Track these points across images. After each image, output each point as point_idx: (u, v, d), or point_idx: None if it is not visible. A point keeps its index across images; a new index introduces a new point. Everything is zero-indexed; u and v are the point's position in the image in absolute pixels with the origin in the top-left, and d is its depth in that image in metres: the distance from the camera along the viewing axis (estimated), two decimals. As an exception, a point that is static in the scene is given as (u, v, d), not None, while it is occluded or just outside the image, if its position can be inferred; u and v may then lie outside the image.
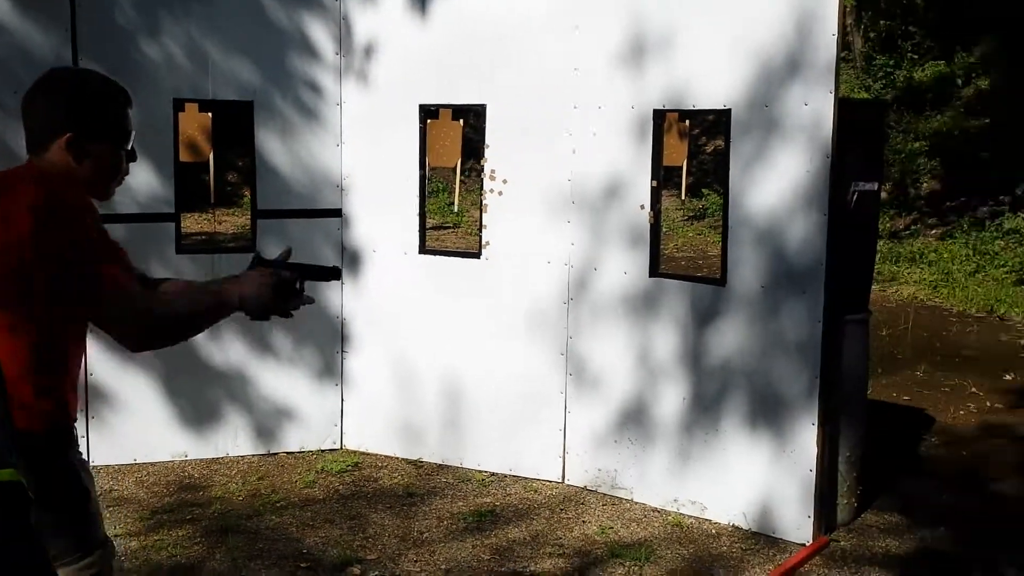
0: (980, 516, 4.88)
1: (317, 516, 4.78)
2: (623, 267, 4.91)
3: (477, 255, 5.30)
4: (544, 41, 5.01)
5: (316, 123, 5.43)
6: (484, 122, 5.20)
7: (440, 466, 5.42)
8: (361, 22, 5.36)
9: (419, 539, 4.55)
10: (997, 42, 14.62)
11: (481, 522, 4.73)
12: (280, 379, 5.51)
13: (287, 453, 5.56)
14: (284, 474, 5.30)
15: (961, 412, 6.62)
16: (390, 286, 5.46)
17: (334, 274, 2.52)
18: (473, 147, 13.39)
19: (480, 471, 5.34)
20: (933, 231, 12.56)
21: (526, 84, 5.06)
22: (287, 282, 2.33)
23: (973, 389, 7.15)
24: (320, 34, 5.38)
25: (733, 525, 4.65)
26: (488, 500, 5.00)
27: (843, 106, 4.38)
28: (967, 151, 13.30)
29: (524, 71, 5.06)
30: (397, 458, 5.52)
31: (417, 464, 5.45)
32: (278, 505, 4.89)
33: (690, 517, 4.76)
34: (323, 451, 5.59)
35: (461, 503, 4.96)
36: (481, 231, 5.29)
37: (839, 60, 4.32)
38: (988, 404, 6.79)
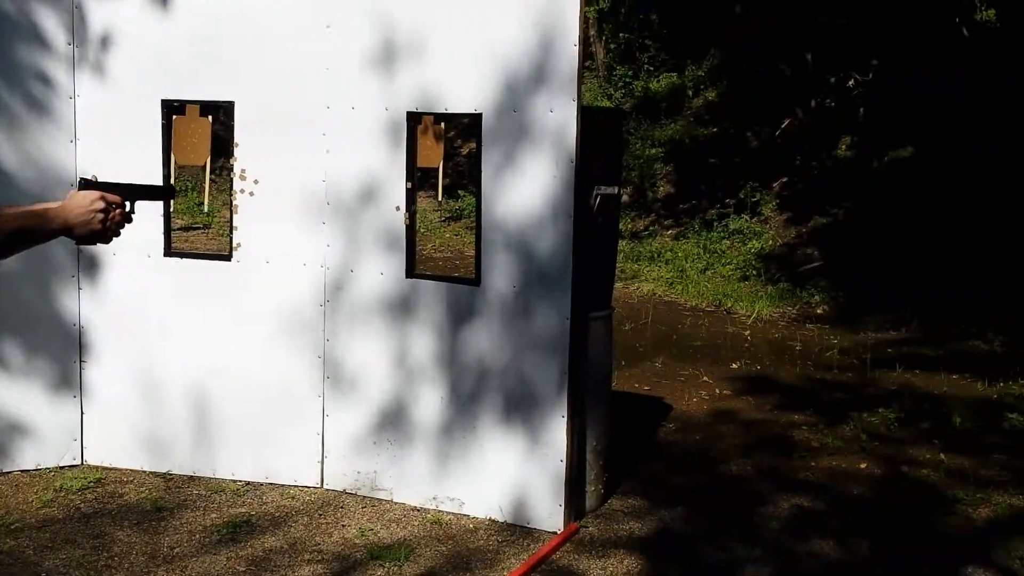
0: (711, 495, 5.29)
1: (56, 537, 4.47)
2: (379, 268, 4.93)
3: (228, 257, 5.15)
4: (295, 38, 4.94)
5: (46, 117, 5.07)
6: (233, 119, 5.07)
7: (191, 477, 5.22)
8: (97, 11, 5.06)
9: (169, 555, 4.36)
10: (721, 57, 15.85)
11: (236, 533, 4.60)
12: (10, 391, 5.11)
13: (21, 471, 5.16)
14: (18, 494, 4.92)
15: (695, 400, 7.14)
16: (133, 291, 5.19)
17: (167, 193, 2.42)
18: (224, 145, 12.96)
19: (234, 480, 5.18)
20: (669, 231, 13.44)
21: (277, 81, 4.97)
22: (115, 205, 2.22)
23: (705, 378, 7.73)
24: (50, 22, 5.03)
25: (490, 519, 4.79)
26: (243, 510, 4.87)
27: (586, 114, 4.61)
28: (697, 157, 14.34)
29: (275, 68, 4.97)
30: (144, 471, 5.26)
31: (166, 477, 5.22)
32: (12, 527, 4.53)
33: (449, 514, 4.85)
34: (62, 468, 5.23)
35: (214, 515, 4.80)
36: (232, 232, 5.14)
37: (582, 69, 4.55)
38: (718, 391, 7.37)
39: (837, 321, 9.91)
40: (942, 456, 5.90)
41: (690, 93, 16.03)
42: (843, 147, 13.20)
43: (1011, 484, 5.44)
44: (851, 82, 13.18)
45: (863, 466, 5.77)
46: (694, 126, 15.25)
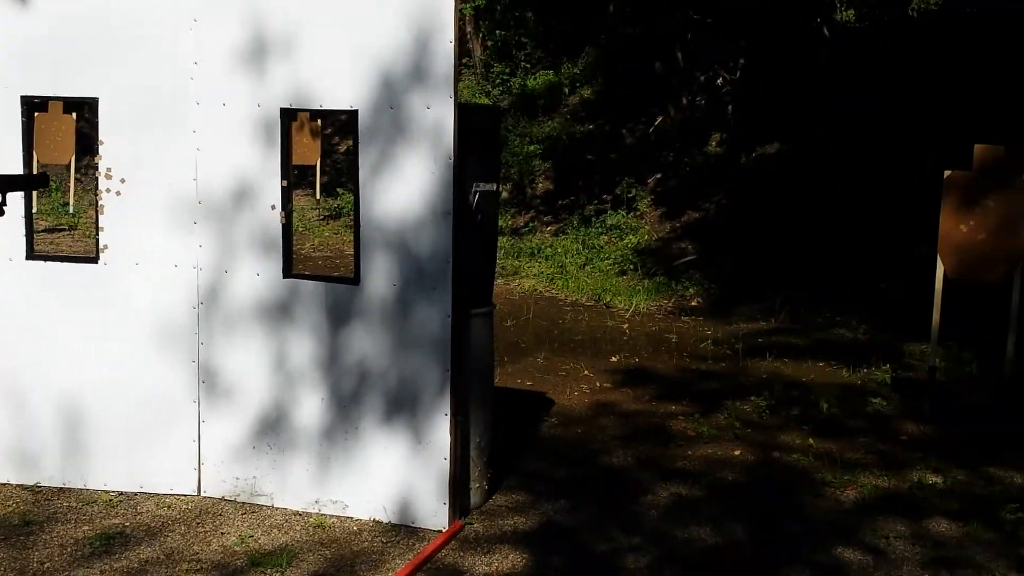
0: (593, 487, 5.38)
1: (-90, 560, 4.23)
2: (255, 269, 4.83)
3: (95, 260, 4.96)
4: (160, 33, 4.79)
5: None
6: (98, 116, 4.88)
7: (61, 490, 5.01)
8: (-53, 3, 4.81)
9: (39, 570, 4.18)
10: (596, 56, 16.11)
11: (109, 545, 4.44)
12: None
13: None
14: None
15: (576, 393, 7.25)
16: (-7, 297, 4.95)
17: (40, 181, 2.30)
18: (90, 143, 12.48)
19: (107, 491, 5.00)
20: (549, 228, 13.58)
21: (143, 77, 4.81)
22: None
23: (586, 372, 7.85)
24: None
25: (374, 520, 4.76)
26: (117, 521, 4.71)
27: (463, 111, 4.62)
28: (575, 154, 14.54)
29: (140, 63, 4.81)
30: (10, 485, 5.03)
31: (34, 490, 5.00)
32: None
33: (332, 517, 4.80)
34: (-85, 486, 4.96)
35: (86, 527, 4.63)
36: (98, 234, 4.95)
37: (458, 67, 4.55)
38: (598, 385, 7.49)
39: (710, 313, 10.20)
40: (811, 441, 6.15)
41: (566, 91, 16.23)
42: (713, 144, 13.59)
43: (875, 466, 5.72)
44: (720, 80, 13.58)
45: (737, 453, 5.96)
46: (571, 123, 15.45)
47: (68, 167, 13.78)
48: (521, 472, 5.52)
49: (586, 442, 6.14)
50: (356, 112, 4.63)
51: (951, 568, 4.45)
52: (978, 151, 6.33)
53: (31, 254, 4.98)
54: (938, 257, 6.46)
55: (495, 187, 5.16)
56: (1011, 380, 6.47)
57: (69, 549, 4.40)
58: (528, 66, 17.05)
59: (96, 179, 4.96)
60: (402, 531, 4.67)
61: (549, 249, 12.64)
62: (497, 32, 17.62)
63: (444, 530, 4.64)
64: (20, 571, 4.16)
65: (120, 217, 4.89)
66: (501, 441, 5.40)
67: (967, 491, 5.36)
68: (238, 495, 4.96)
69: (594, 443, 6.12)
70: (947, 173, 6.41)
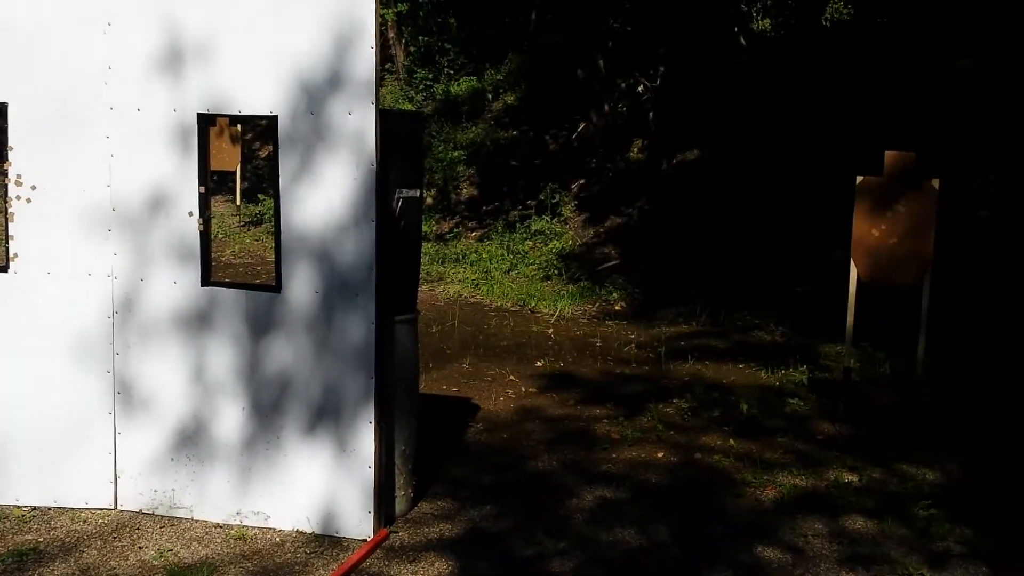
0: (519, 492, 5.39)
1: None
2: (173, 277, 4.73)
3: (4, 269, 4.81)
4: (72, 36, 4.67)
5: None
6: (7, 122, 4.74)
7: (-32, 507, 4.85)
8: None
9: (-56, 593, 4.04)
10: (518, 63, 16.18)
11: (22, 562, 4.30)
12: None
13: None
14: None
15: (501, 399, 7.26)
16: None
17: None
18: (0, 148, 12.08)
19: (19, 507, 4.85)
20: (473, 233, 13.58)
21: (55, 81, 4.68)
22: None
23: (511, 377, 7.87)
24: None
25: (297, 531, 4.69)
26: (30, 537, 4.56)
27: (385, 117, 4.60)
28: (499, 160, 14.57)
29: (52, 67, 4.68)
30: (-88, 504, 4.85)
31: (-62, 508, 4.83)
32: None
33: (254, 528, 4.72)
34: None
35: (-5, 545, 4.48)
36: (8, 242, 4.80)
37: (379, 72, 4.53)
38: (524, 389, 7.52)
39: (634, 317, 10.31)
40: (731, 442, 6.25)
41: (490, 97, 16.25)
42: (635, 150, 13.75)
43: (794, 465, 5.84)
44: (640, 88, 13.75)
45: (660, 455, 6.04)
46: (495, 129, 15.48)
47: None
48: (447, 479, 5.50)
49: (512, 447, 6.15)
50: (276, 118, 4.57)
51: (867, 564, 4.57)
52: (889, 157, 6.52)
53: (-65, 263, 4.81)
54: (851, 260, 6.63)
55: (419, 193, 5.14)
56: (922, 380, 6.67)
57: (-22, 569, 4.26)
58: (451, 72, 17.04)
59: (6, 186, 4.82)
60: (326, 541, 4.62)
61: (474, 255, 12.65)
62: (420, 38, 17.58)
63: (369, 539, 4.60)
64: (-75, 593, 4.02)
65: (31, 225, 4.76)
66: (426, 448, 5.37)
67: (881, 489, 5.51)
68: (156, 508, 4.85)
69: (520, 448, 6.13)
70: (859, 179, 6.58)
